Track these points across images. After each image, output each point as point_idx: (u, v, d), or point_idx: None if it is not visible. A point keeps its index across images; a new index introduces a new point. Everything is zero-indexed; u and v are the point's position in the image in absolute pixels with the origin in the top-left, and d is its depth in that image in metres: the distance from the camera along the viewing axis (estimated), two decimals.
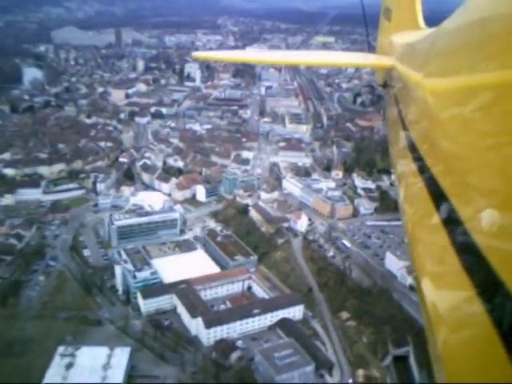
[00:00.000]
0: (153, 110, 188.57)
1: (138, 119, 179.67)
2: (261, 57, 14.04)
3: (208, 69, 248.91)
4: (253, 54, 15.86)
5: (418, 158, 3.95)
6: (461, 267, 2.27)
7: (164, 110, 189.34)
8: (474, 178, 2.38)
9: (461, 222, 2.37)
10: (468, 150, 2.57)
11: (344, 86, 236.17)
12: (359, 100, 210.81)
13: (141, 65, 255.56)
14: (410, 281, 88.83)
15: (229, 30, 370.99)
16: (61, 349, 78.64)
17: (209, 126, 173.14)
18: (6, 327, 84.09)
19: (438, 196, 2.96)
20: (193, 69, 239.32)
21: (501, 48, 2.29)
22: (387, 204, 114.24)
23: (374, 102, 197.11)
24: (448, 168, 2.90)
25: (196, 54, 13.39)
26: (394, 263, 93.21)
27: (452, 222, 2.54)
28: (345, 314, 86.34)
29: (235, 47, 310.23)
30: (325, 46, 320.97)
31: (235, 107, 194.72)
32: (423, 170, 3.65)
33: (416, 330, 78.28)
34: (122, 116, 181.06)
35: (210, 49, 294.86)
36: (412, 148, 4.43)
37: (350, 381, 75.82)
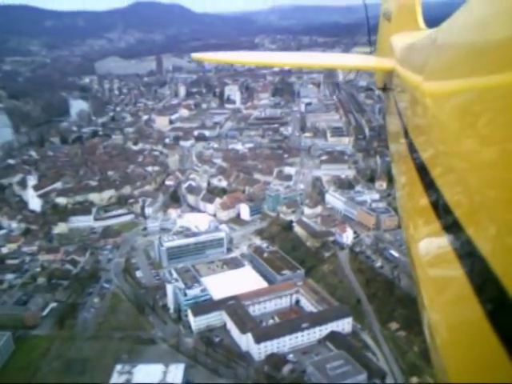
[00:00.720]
0: (196, 133, 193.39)
1: (182, 143, 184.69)
2: (260, 58, 14.05)
3: (247, 89, 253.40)
4: (252, 56, 15.79)
5: (418, 162, 3.94)
6: (460, 268, 2.29)
7: (207, 133, 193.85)
8: (475, 181, 2.36)
9: (461, 225, 2.38)
10: (469, 154, 2.56)
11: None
12: None
13: (182, 90, 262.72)
14: None
15: (266, 47, 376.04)
16: (118, 367, 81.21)
17: (251, 145, 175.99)
18: (65, 348, 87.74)
19: (437, 199, 2.97)
20: (232, 91, 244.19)
21: (502, 49, 2.28)
22: None
23: None
24: (448, 171, 2.88)
25: (195, 55, 13.15)
26: None
27: (452, 225, 2.55)
28: (394, 325, 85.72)
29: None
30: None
31: (276, 125, 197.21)
32: (423, 173, 3.63)
33: None
34: (167, 141, 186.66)
35: (249, 69, 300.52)
36: (412, 151, 4.42)
37: None
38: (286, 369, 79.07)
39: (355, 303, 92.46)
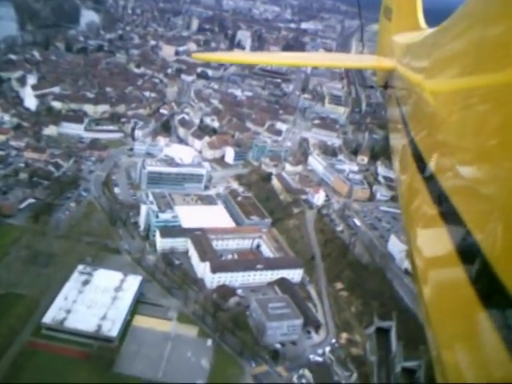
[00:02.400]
0: (199, 70, 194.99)
1: (183, 76, 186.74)
2: (262, 58, 14.59)
3: (259, 39, 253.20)
4: (254, 56, 16.21)
5: (420, 158, 3.92)
6: (461, 267, 2.33)
7: (210, 72, 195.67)
8: (475, 177, 2.39)
9: (462, 222, 2.39)
10: (469, 151, 2.59)
11: None
12: None
13: (195, 24, 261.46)
14: (406, 264, 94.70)
15: (288, 2, 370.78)
16: (80, 267, 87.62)
17: (250, 94, 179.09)
18: (35, 240, 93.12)
19: (439, 195, 3.00)
20: (244, 36, 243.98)
21: (501, 48, 2.30)
22: None
23: None
24: (449, 168, 2.88)
25: (196, 55, 14.97)
26: (396, 246, 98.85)
27: (453, 223, 2.56)
28: (339, 285, 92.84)
29: (291, 21, 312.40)
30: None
31: (279, 80, 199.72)
32: (424, 169, 3.61)
33: (401, 308, 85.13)
34: (169, 71, 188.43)
35: (266, 19, 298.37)
36: (413, 148, 4.41)
37: (334, 341, 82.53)
38: (233, 301, 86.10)
39: (309, 258, 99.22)
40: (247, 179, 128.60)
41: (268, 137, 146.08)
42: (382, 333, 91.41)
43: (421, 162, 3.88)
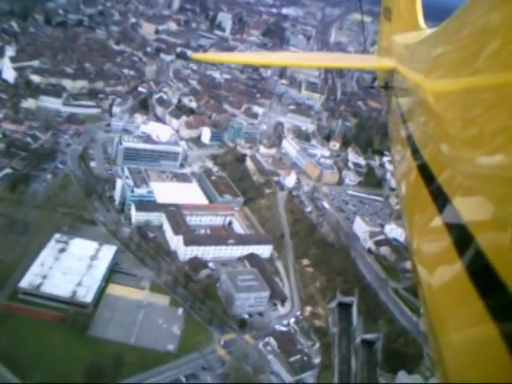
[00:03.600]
0: (178, 50, 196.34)
1: (162, 56, 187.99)
2: (262, 59, 15.26)
3: (240, 22, 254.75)
4: (254, 56, 16.89)
5: (420, 160, 3.96)
6: (462, 267, 2.29)
7: (189, 53, 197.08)
8: (476, 178, 2.37)
9: (463, 223, 2.36)
10: (470, 151, 2.56)
11: None
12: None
13: (176, 3, 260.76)
14: (369, 244, 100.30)
15: None
16: (57, 235, 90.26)
17: (228, 76, 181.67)
18: (11, 209, 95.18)
19: (440, 197, 2.96)
20: (225, 19, 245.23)
21: (502, 48, 2.30)
22: (371, 180, 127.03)
23: None
24: (450, 169, 2.89)
25: (196, 55, 15.82)
26: (360, 227, 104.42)
27: (454, 224, 2.53)
28: (305, 261, 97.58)
29: (272, 5, 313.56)
30: (359, 26, 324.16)
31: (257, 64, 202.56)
32: (425, 171, 3.60)
33: (362, 284, 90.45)
34: (148, 49, 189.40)
35: (247, 2, 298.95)
36: (414, 149, 4.45)
37: (298, 313, 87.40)
38: (204, 273, 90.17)
39: (279, 236, 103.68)
40: (222, 159, 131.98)
41: (244, 119, 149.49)
42: (344, 307, 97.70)
43: (421, 163, 3.93)
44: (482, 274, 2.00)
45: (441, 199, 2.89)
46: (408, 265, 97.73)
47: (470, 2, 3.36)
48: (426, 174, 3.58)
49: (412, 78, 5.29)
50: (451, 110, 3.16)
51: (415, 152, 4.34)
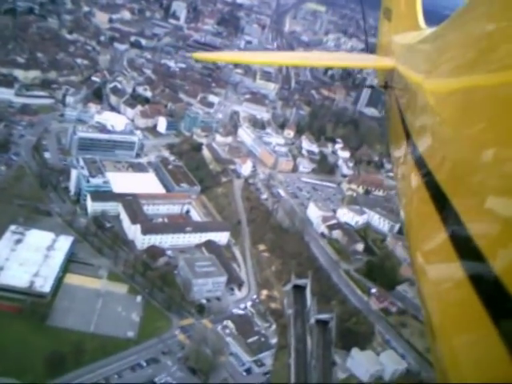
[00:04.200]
0: (133, 39, 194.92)
1: (116, 45, 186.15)
2: (261, 58, 15.30)
3: (195, 10, 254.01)
4: (253, 56, 17.07)
5: (420, 159, 3.95)
6: (461, 268, 2.29)
7: (143, 42, 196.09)
8: (476, 178, 2.36)
9: (461, 222, 2.37)
10: (470, 151, 2.55)
11: None
12: (330, 73, 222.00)
13: None
14: (322, 228, 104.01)
15: None
16: (13, 227, 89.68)
17: (183, 66, 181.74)
18: None
19: (438, 196, 2.96)
20: (180, 7, 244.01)
21: (502, 48, 2.32)
22: (324, 167, 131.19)
23: (344, 77, 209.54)
24: (449, 168, 2.89)
25: (196, 54, 15.87)
26: (314, 212, 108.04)
27: (452, 223, 2.55)
28: (262, 247, 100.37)
29: None
30: (314, 15, 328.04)
31: None
32: (424, 170, 3.60)
33: (316, 267, 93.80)
34: (102, 38, 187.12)
35: None
36: (413, 149, 4.45)
37: (255, 296, 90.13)
38: (162, 260, 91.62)
39: (236, 223, 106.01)
40: (178, 148, 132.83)
41: (200, 108, 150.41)
42: (299, 289, 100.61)
43: (420, 163, 3.90)
44: (481, 274, 2.01)
45: (440, 199, 2.88)
46: (358, 247, 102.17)
47: (469, 1, 3.39)
48: (425, 173, 3.58)
49: (412, 78, 5.29)
50: (451, 110, 3.16)
51: (414, 152, 4.34)
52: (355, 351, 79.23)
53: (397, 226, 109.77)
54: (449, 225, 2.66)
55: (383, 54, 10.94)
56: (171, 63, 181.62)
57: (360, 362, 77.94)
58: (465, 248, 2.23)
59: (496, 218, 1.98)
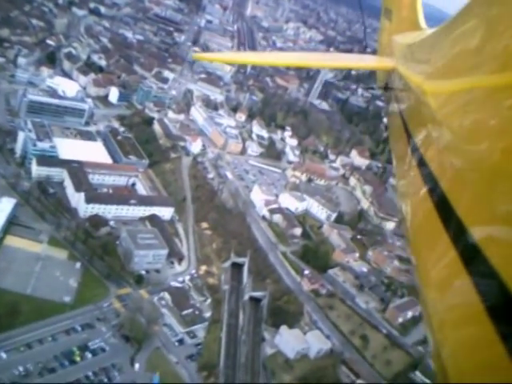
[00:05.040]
0: (92, 5, 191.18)
1: (74, 9, 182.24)
2: (260, 58, 15.32)
3: None
4: (251, 56, 17.26)
5: (420, 160, 3.95)
6: (462, 268, 2.27)
7: (102, 9, 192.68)
8: (476, 179, 2.36)
9: (463, 223, 2.36)
10: (470, 152, 2.55)
11: (278, 44, 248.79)
12: None
13: None
14: (264, 211, 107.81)
15: None
16: None
17: (141, 38, 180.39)
18: None
19: (439, 197, 2.97)
20: None
21: (503, 49, 2.30)
22: (271, 152, 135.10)
23: (298, 68, 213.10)
24: (450, 169, 2.87)
25: (196, 55, 16.30)
26: (258, 196, 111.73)
27: (454, 223, 2.52)
28: (204, 224, 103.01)
29: None
30: (276, 2, 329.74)
31: (171, 29, 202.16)
32: (425, 171, 3.61)
33: (255, 247, 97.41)
34: (60, 1, 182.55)
35: None
36: (414, 150, 4.46)
37: (193, 271, 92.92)
38: (104, 230, 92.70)
39: (181, 200, 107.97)
40: (129, 120, 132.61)
41: (154, 83, 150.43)
42: (237, 266, 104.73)
43: (421, 164, 3.87)
44: (482, 274, 2.03)
45: (441, 199, 2.89)
46: (296, 231, 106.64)
47: (470, 2, 3.36)
48: (425, 174, 3.58)
49: (412, 79, 5.23)
50: (452, 111, 3.14)
51: (415, 152, 4.33)
52: (283, 329, 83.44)
53: (333, 215, 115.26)
54: (449, 224, 2.68)
55: (383, 54, 10.97)
56: (129, 34, 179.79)
57: (287, 339, 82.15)
58: (465, 247, 2.28)
59: (497, 217, 2.01)
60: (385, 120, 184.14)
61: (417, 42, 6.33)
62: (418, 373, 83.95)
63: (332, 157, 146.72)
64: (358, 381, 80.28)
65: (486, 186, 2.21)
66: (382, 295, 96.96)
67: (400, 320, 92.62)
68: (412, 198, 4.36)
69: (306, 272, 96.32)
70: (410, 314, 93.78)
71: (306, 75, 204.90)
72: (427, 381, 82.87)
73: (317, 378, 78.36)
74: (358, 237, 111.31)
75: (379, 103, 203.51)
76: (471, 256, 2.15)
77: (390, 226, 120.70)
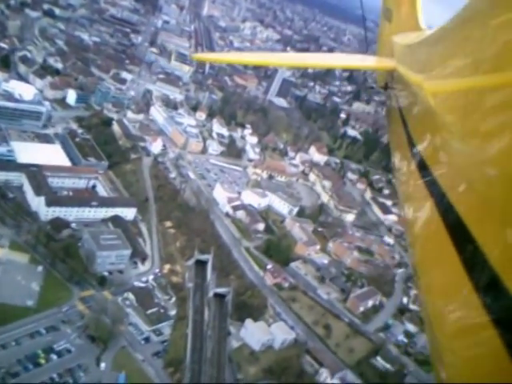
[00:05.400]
0: (46, 7, 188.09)
1: (28, 11, 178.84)
2: (259, 58, 15.16)
3: None
4: (251, 56, 17.08)
5: (420, 159, 3.97)
6: (462, 268, 2.29)
7: (57, 11, 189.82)
8: (475, 178, 2.38)
9: (462, 222, 2.38)
10: (470, 152, 2.56)
11: (236, 44, 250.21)
12: None
13: None
14: (227, 208, 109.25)
15: None
16: None
17: (97, 39, 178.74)
18: None
19: (439, 196, 2.98)
20: None
21: (502, 49, 2.32)
22: (232, 151, 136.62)
23: (256, 66, 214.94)
24: (450, 168, 2.90)
25: (196, 55, 16.34)
26: (220, 194, 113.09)
27: (453, 223, 2.55)
28: (168, 223, 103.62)
29: None
30: (232, 1, 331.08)
31: (128, 30, 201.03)
32: (425, 170, 3.64)
33: (219, 244, 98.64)
34: (12, 2, 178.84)
35: None
36: (414, 149, 4.48)
37: (157, 270, 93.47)
38: (66, 232, 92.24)
39: (143, 200, 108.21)
40: (88, 122, 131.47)
41: (112, 84, 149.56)
42: (201, 264, 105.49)
43: (421, 162, 3.89)
44: (481, 274, 2.03)
45: (441, 199, 2.91)
46: (259, 226, 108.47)
47: (470, 2, 3.34)
48: (425, 173, 3.60)
49: (412, 79, 5.20)
50: (451, 111, 3.13)
51: (415, 152, 4.32)
52: (248, 322, 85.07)
53: (295, 210, 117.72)
54: (448, 223, 2.67)
55: (384, 54, 10.91)
56: (85, 36, 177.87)
57: (252, 332, 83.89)
58: (465, 247, 2.32)
59: (496, 217, 2.03)
60: (342, 115, 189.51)
61: (417, 42, 6.29)
62: (379, 358, 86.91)
63: (291, 154, 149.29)
64: (322, 369, 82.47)
65: (485, 183, 2.22)
66: (342, 286, 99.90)
67: (361, 309, 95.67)
68: (412, 196, 4.40)
69: (269, 266, 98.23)
70: (370, 302, 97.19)
71: (265, 74, 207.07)
72: (388, 365, 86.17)
73: (282, 368, 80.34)
74: (319, 229, 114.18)
75: (336, 99, 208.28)
76: (470, 254, 2.18)
77: (349, 218, 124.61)
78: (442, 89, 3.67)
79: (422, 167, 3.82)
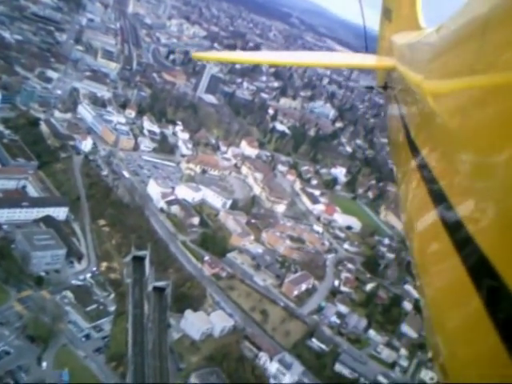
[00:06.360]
0: None
1: None
2: (259, 58, 15.00)
3: None
4: (251, 56, 16.99)
5: (420, 160, 3.95)
6: (462, 268, 2.26)
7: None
8: (476, 179, 2.35)
9: (463, 223, 2.36)
10: (470, 152, 2.54)
11: (163, 40, 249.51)
12: (172, 57, 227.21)
13: None
14: (161, 204, 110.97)
15: None
16: None
17: (20, 38, 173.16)
18: None
19: (439, 198, 2.95)
20: None
21: (502, 48, 2.28)
22: (164, 147, 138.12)
23: (185, 62, 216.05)
24: (450, 169, 2.86)
25: (196, 54, 14.69)
26: (154, 189, 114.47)
27: (454, 224, 2.53)
28: (102, 221, 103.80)
29: None
30: None
31: (52, 28, 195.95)
32: (425, 171, 3.61)
33: (155, 239, 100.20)
34: None
35: None
36: (413, 149, 4.46)
37: (94, 268, 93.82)
38: None
39: (75, 199, 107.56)
40: (14, 122, 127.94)
41: (38, 83, 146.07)
42: (138, 260, 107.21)
43: (421, 163, 3.87)
44: (482, 274, 2.01)
45: (441, 200, 2.88)
46: (194, 220, 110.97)
47: (469, 1, 3.29)
48: (425, 174, 3.57)
49: (412, 78, 5.13)
50: (451, 111, 3.08)
51: (415, 152, 4.31)
52: (188, 313, 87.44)
53: (229, 203, 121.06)
54: (449, 225, 2.68)
55: (383, 53, 10.86)
56: (6, 34, 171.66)
57: (192, 322, 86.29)
58: (465, 248, 2.29)
59: (497, 218, 2.02)
60: (270, 111, 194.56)
61: (417, 41, 6.27)
62: (314, 339, 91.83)
63: (223, 148, 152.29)
64: (261, 353, 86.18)
65: (485, 184, 2.22)
66: (277, 272, 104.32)
67: (295, 293, 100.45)
68: (412, 197, 4.37)
69: (206, 258, 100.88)
70: (304, 286, 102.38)
71: (193, 70, 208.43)
72: (323, 346, 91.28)
73: (222, 355, 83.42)
74: (253, 221, 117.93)
75: (264, 95, 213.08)
76: (471, 254, 2.19)
77: (280, 208, 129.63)
78: (442, 88, 3.62)
79: (422, 167, 3.84)
